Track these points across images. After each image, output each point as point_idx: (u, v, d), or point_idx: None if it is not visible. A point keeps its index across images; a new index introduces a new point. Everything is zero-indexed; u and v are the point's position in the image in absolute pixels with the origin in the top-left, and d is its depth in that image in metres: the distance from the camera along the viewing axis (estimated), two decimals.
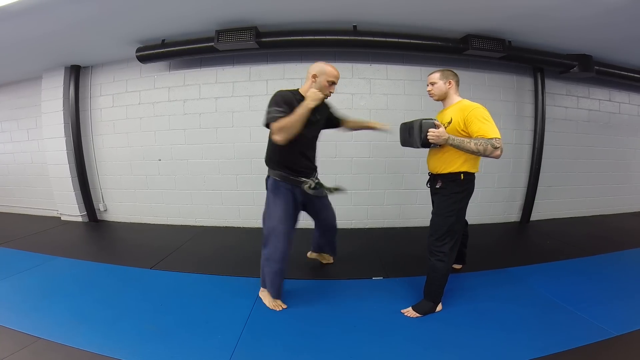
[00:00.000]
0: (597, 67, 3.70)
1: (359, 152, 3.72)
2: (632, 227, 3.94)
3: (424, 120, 1.77)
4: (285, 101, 1.82)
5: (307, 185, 2.03)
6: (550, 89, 3.97)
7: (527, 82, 3.92)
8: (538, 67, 3.77)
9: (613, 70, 3.87)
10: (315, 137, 2.13)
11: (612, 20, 2.79)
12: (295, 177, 2.01)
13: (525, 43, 3.39)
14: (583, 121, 4.22)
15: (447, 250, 1.92)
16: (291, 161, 1.99)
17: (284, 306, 2.09)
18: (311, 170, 2.12)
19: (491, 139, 1.69)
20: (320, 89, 1.89)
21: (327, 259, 2.76)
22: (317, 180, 2.11)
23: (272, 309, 2.06)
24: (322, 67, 1.90)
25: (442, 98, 2.00)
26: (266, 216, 2.05)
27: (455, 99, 1.97)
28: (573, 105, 4.17)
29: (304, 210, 2.21)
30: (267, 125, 1.84)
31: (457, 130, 1.83)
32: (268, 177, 2.07)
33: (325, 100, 2.09)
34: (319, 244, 2.64)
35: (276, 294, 2.09)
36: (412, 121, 1.87)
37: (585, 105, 4.22)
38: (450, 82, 1.95)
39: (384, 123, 2.27)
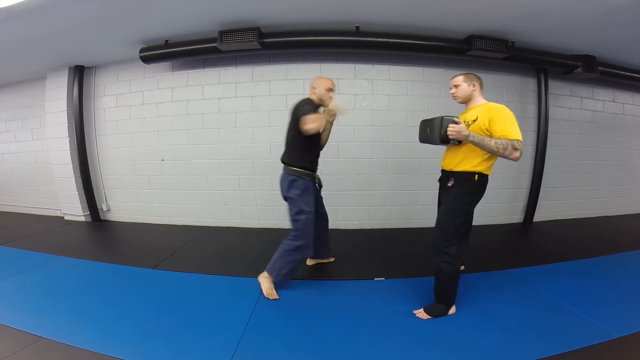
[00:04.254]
0: (601, 68, 3.68)
1: (361, 153, 3.72)
2: (636, 228, 3.91)
3: (445, 117, 1.78)
4: (315, 107, 2.17)
5: (318, 180, 2.36)
6: (554, 89, 3.95)
7: (530, 83, 3.91)
8: (541, 68, 3.76)
9: (617, 71, 3.85)
10: None
11: (616, 21, 2.77)
12: (314, 172, 2.31)
13: (528, 43, 3.38)
14: (587, 122, 4.20)
15: (453, 252, 1.88)
16: (315, 162, 2.32)
17: (277, 297, 2.20)
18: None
19: (513, 140, 1.68)
20: (321, 96, 2.23)
21: (328, 258, 2.79)
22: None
23: (271, 300, 2.18)
24: (319, 79, 2.28)
25: (466, 100, 1.99)
26: (299, 211, 2.20)
27: (480, 101, 1.95)
28: (577, 106, 4.15)
29: None
30: (297, 121, 2.07)
31: (482, 129, 1.80)
32: (294, 178, 2.20)
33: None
34: (319, 241, 2.61)
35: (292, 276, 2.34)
36: (433, 118, 1.88)
37: (589, 106, 4.20)
38: (474, 85, 1.93)
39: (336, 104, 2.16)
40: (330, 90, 2.25)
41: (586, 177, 4.30)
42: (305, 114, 2.02)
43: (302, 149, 2.22)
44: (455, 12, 2.80)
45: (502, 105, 1.81)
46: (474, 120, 1.84)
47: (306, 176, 2.22)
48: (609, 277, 2.50)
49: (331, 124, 2.34)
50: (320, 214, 2.48)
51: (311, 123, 1.95)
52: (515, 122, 1.74)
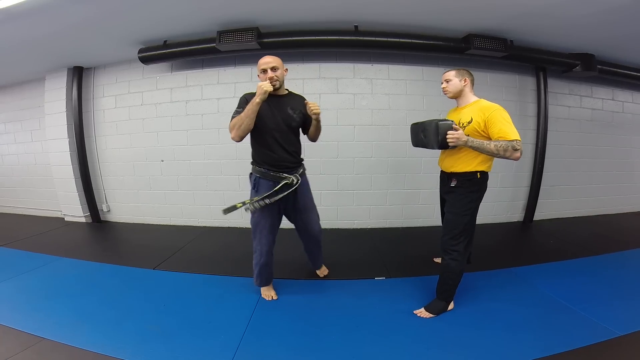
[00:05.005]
0: (600, 66, 3.68)
1: (361, 152, 3.71)
2: (636, 226, 3.91)
3: (440, 122, 1.74)
4: (247, 100, 1.90)
5: (286, 182, 2.00)
6: (553, 88, 3.95)
7: (529, 82, 3.91)
8: (540, 67, 3.76)
9: (616, 69, 3.85)
10: (293, 131, 2.07)
11: (615, 19, 2.77)
12: (276, 173, 2.01)
13: (527, 42, 3.38)
14: (586, 120, 4.20)
15: (461, 250, 1.91)
16: (269, 156, 2.00)
17: (275, 297, 2.20)
18: (293, 165, 2.08)
19: (512, 140, 1.69)
20: (262, 81, 1.89)
21: (322, 271, 2.58)
22: (299, 178, 2.06)
23: (269, 301, 2.18)
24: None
25: (457, 96, 1.99)
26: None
27: (471, 97, 1.96)
28: (576, 104, 4.15)
29: (284, 210, 2.17)
30: None
31: (477, 131, 1.81)
32: (250, 174, 2.12)
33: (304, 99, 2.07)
34: (308, 257, 2.52)
35: (263, 283, 2.23)
36: (425, 122, 1.85)
37: (588, 105, 4.20)
38: (465, 80, 1.94)
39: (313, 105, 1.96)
40: (264, 71, 1.91)
41: (586, 175, 4.30)
42: (230, 119, 1.90)
43: (252, 144, 2.07)
44: (454, 11, 2.80)
45: (496, 105, 1.81)
46: (469, 122, 1.85)
47: (256, 172, 2.06)
48: (609, 276, 2.50)
49: (317, 120, 2.01)
50: (297, 225, 2.29)
51: (231, 132, 1.88)
52: (511, 122, 1.75)
